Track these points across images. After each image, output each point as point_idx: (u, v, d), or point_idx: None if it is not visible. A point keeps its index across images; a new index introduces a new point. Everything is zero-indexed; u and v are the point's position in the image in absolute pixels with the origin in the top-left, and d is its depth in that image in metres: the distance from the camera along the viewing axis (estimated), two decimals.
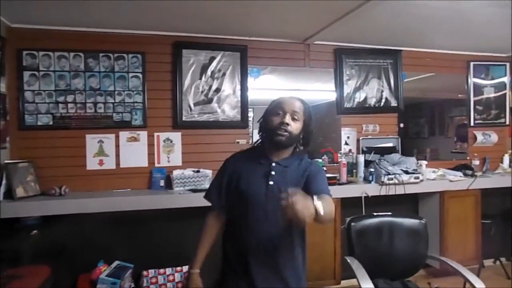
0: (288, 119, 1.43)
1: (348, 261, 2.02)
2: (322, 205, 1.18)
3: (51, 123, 2.75)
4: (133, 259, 2.87)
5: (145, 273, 2.87)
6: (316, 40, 3.23)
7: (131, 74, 2.88)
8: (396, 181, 3.09)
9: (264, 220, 1.43)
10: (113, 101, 2.85)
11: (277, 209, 1.27)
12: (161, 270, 2.93)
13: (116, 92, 2.86)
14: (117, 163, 2.88)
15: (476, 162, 3.67)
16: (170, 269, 2.95)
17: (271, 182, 1.45)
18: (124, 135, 2.89)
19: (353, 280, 2.06)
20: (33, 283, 2.00)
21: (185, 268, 2.97)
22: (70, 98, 2.78)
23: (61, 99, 2.77)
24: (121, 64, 2.87)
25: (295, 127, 1.44)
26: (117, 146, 2.88)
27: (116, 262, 2.80)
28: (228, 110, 3.07)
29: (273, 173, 1.46)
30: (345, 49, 3.38)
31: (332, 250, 3.04)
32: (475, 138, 3.85)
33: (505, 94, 3.94)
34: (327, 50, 3.36)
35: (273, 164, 1.47)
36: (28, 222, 2.53)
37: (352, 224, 2.15)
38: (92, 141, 2.83)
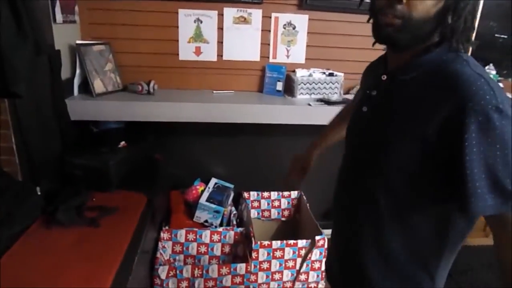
0: None
1: None
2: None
3: None
4: (232, 178, 2.31)
5: (246, 194, 2.33)
6: None
7: None
8: None
9: (349, 160, 0.96)
10: None
11: (362, 154, 0.88)
12: (265, 194, 2.37)
13: None
14: (219, 54, 2.08)
15: None
16: (275, 193, 2.38)
17: (364, 108, 0.89)
18: (230, 13, 2.02)
19: None
20: (131, 218, 1.46)
21: (294, 194, 2.39)
22: None
23: None
24: None
25: (419, 3, 0.72)
26: (220, 29, 2.04)
27: (213, 181, 2.25)
28: None
29: (374, 92, 0.87)
30: None
31: None
32: None
33: None
34: None
35: (383, 76, 0.85)
36: (111, 127, 1.93)
37: None
38: (186, 19, 2.01)
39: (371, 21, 0.81)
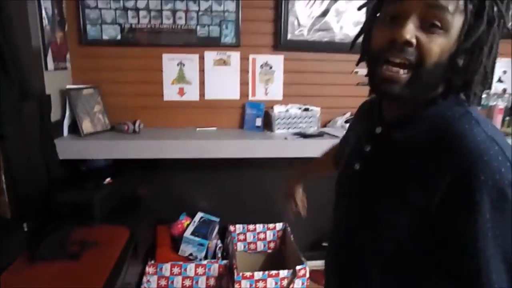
0: (410, 30, 0.59)
1: None
2: None
3: (119, 37, 2.08)
4: (218, 211, 2.37)
5: (231, 228, 2.38)
6: None
7: None
8: None
9: (342, 214, 0.82)
10: (197, 8, 2.10)
11: (353, 219, 0.76)
12: (251, 226, 2.43)
13: None
14: (201, 93, 2.22)
15: None
16: (261, 225, 2.44)
17: (356, 166, 0.76)
18: (210, 56, 2.18)
19: None
20: (112, 252, 1.52)
21: (278, 226, 2.45)
22: (141, 3, 2.07)
23: (131, 4, 2.06)
24: None
25: (432, 45, 0.59)
26: (202, 71, 2.19)
27: (199, 215, 2.32)
28: (348, 27, 2.23)
29: (368, 148, 0.75)
30: None
31: None
32: None
33: None
34: None
35: (377, 129, 0.73)
36: (98, 165, 2.03)
37: None
38: (170, 63, 2.16)
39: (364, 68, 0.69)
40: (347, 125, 2.14)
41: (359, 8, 0.80)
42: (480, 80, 0.62)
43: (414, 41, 0.59)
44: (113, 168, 2.06)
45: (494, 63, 0.63)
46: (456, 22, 0.59)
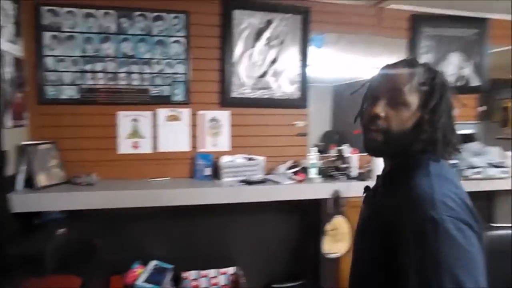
0: (380, 107, 0.85)
1: None
2: None
3: (76, 96, 2.27)
4: (171, 259, 2.45)
5: (185, 274, 2.46)
6: (391, 2, 2.66)
7: (172, 39, 2.36)
8: (482, 176, 2.60)
9: (354, 265, 1.00)
10: (150, 71, 2.35)
11: (362, 257, 0.94)
12: (204, 272, 2.52)
13: (154, 61, 2.35)
14: (154, 147, 2.40)
15: None
16: (213, 270, 2.53)
17: (365, 212, 0.99)
18: (162, 113, 2.40)
19: None
20: None
21: (231, 270, 2.56)
22: (99, 66, 2.29)
23: (89, 67, 2.28)
24: (160, 26, 2.34)
25: (396, 118, 0.84)
26: (155, 126, 2.40)
27: (153, 263, 2.39)
28: (285, 85, 2.55)
29: (367, 197, 1.02)
30: (424, 16, 2.80)
31: None
32: None
33: None
34: (402, 16, 2.79)
35: (378, 178, 0.99)
36: (52, 217, 2.10)
37: None
38: (125, 119, 2.35)
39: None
40: (289, 172, 2.39)
41: (352, 93, 1.08)
42: (442, 140, 0.82)
43: (382, 114, 0.84)
44: (67, 220, 2.14)
45: (452, 126, 0.85)
46: (413, 98, 0.84)
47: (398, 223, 0.77)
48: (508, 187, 2.69)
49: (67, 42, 2.24)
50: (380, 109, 0.85)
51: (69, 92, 2.26)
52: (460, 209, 0.75)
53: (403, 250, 0.75)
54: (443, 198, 0.75)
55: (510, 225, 1.70)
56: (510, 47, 3.00)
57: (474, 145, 2.84)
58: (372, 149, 0.89)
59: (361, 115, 0.94)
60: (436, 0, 2.68)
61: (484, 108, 3.03)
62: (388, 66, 0.90)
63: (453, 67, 2.90)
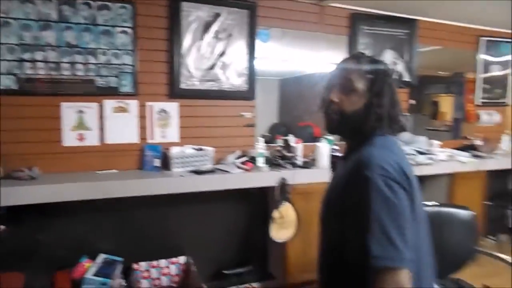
0: (334, 94, 1.04)
1: None
2: None
3: (14, 87, 2.16)
4: (121, 251, 2.44)
5: (135, 266, 2.46)
6: (332, 1, 2.83)
7: (118, 29, 2.33)
8: (411, 162, 2.87)
9: (320, 234, 1.11)
10: (95, 61, 2.30)
11: (325, 226, 1.08)
12: (154, 263, 2.54)
13: (100, 51, 2.30)
14: (101, 139, 2.36)
15: (479, 142, 3.54)
16: (164, 260, 2.56)
17: (329, 183, 1.14)
18: (109, 104, 2.36)
19: None
20: None
21: (182, 259, 2.60)
22: (39, 55, 2.19)
23: (27, 56, 2.18)
24: (106, 15, 2.29)
25: (348, 102, 1.01)
26: (101, 117, 2.35)
27: (102, 256, 2.36)
28: (233, 77, 2.62)
29: (333, 172, 1.19)
30: (361, 15, 3.01)
31: None
32: (478, 117, 3.71)
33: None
34: (343, 14, 2.97)
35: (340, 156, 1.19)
36: None
37: None
38: (69, 111, 2.28)
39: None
40: (238, 161, 2.48)
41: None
42: (387, 118, 0.99)
43: (336, 100, 1.03)
44: (7, 216, 2.04)
45: (395, 106, 1.02)
46: (361, 85, 1.01)
47: (348, 186, 0.94)
48: (433, 172, 3.01)
49: (2, 28, 2.12)
50: (334, 96, 1.03)
51: (6, 82, 2.14)
52: (394, 172, 0.88)
53: (351, 208, 0.90)
54: (380, 162, 0.89)
55: (434, 203, 1.92)
56: (437, 47, 3.34)
57: (404, 135, 3.12)
58: (331, 128, 1.07)
59: (322, 102, 1.11)
60: (372, 0, 2.89)
61: (413, 101, 3.33)
62: (341, 61, 1.08)
63: (388, 62, 3.16)
